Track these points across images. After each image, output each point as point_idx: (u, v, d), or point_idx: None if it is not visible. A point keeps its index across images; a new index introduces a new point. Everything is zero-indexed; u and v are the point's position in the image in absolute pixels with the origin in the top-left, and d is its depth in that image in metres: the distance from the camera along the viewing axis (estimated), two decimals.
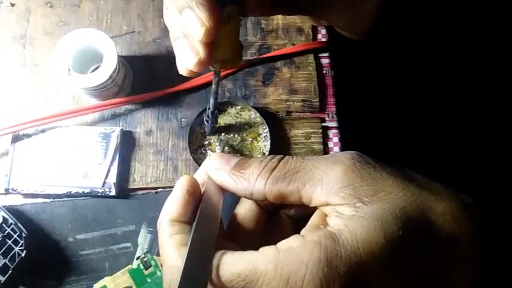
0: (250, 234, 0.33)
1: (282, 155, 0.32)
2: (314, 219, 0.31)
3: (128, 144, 0.49)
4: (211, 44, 0.32)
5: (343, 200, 0.28)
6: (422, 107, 0.81)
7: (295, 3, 0.42)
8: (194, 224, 0.29)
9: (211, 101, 0.43)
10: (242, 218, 0.34)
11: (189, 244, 0.27)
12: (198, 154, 0.49)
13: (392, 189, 0.29)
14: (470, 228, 0.28)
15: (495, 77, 0.81)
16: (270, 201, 0.31)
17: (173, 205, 0.31)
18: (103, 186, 0.46)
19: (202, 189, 0.32)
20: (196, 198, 0.31)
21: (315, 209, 0.31)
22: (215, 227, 0.30)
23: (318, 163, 0.30)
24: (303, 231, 0.30)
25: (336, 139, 0.50)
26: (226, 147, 0.48)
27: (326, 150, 0.50)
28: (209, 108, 0.44)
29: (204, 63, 0.33)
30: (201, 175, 0.34)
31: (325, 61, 0.53)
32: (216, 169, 0.32)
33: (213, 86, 0.41)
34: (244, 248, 0.29)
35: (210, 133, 0.48)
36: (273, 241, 0.28)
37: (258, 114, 0.49)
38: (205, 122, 0.46)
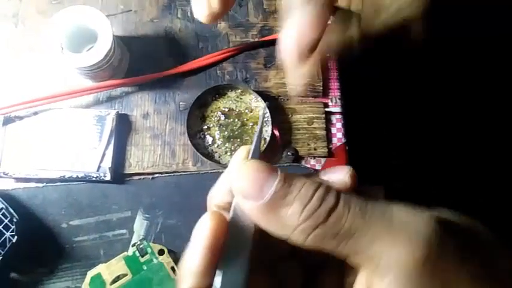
0: None
1: (335, 196, 0.23)
2: None
3: (123, 128, 0.47)
4: None
5: None
6: (429, 94, 0.79)
7: None
8: (220, 278, 0.23)
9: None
10: None
11: None
12: (196, 139, 0.47)
13: None
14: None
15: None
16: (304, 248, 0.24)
17: (192, 272, 0.24)
18: (98, 170, 0.45)
19: (228, 215, 0.25)
20: (221, 246, 0.25)
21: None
22: (245, 272, 0.24)
23: (380, 232, 0.22)
24: None
25: (339, 125, 0.49)
26: (231, 139, 0.45)
27: (329, 136, 0.48)
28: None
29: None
30: (223, 193, 0.26)
31: None
32: (246, 198, 0.24)
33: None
34: None
35: None
36: None
37: (259, 98, 0.48)
38: None
